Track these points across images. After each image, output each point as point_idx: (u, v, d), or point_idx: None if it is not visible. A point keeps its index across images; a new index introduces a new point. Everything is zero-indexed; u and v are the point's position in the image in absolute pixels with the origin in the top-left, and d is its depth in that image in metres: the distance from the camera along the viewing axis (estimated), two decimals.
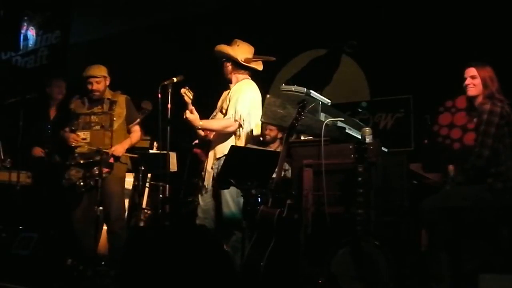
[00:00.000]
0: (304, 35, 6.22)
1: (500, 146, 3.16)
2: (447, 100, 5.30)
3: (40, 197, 5.22)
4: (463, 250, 3.19)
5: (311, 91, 3.54)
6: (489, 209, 3.15)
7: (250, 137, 4.02)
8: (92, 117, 4.50)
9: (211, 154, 4.02)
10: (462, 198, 3.18)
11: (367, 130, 3.46)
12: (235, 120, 3.91)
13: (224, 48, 4.10)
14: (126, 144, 4.52)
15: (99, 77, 4.49)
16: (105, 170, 4.33)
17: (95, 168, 4.31)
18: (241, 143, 3.97)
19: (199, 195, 4.03)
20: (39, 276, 4.07)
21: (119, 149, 4.44)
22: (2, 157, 5.55)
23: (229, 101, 4.00)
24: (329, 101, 3.74)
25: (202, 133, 4.06)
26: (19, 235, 4.46)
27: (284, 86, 3.65)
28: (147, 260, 3.14)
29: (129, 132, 4.62)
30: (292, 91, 3.56)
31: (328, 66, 6.10)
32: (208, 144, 4.05)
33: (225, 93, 4.17)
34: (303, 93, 3.51)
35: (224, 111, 4.03)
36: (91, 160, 4.33)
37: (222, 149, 3.94)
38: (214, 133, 4.03)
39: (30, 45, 7.82)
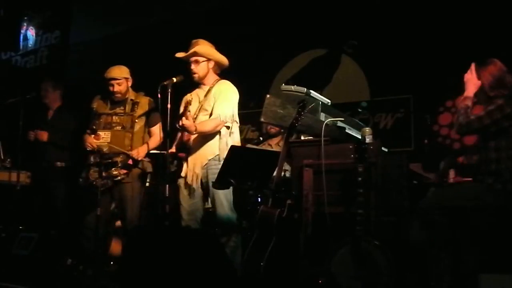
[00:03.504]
0: (304, 35, 6.21)
1: (502, 143, 3.14)
2: (447, 100, 5.29)
3: (40, 197, 5.23)
4: (463, 250, 3.19)
5: (311, 91, 3.54)
6: (489, 209, 3.14)
7: (233, 136, 4.06)
8: (114, 117, 4.44)
9: (197, 156, 4.00)
10: (462, 198, 3.17)
11: (367, 130, 3.45)
12: (222, 120, 3.96)
13: (208, 48, 4.12)
14: (146, 148, 4.45)
15: (120, 79, 4.44)
16: (123, 171, 4.31)
17: (113, 169, 4.28)
18: (227, 142, 4.00)
19: (181, 197, 4.02)
20: (39, 276, 4.07)
21: (141, 152, 4.38)
22: (2, 157, 5.57)
23: (214, 101, 4.01)
24: (329, 101, 3.74)
25: (185, 137, 4.04)
26: (19, 235, 4.47)
27: (284, 86, 3.64)
28: (146, 260, 3.14)
29: (149, 134, 4.54)
30: (292, 91, 3.56)
31: (328, 66, 6.10)
32: (187, 147, 4.03)
33: (198, 91, 4.15)
34: (303, 93, 3.51)
35: (206, 111, 4.03)
36: (110, 161, 4.28)
37: (212, 149, 3.98)
38: (194, 135, 4.01)
39: (30, 45, 7.83)
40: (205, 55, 4.09)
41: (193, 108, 4.04)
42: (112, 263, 4.66)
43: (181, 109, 3.96)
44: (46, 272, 4.16)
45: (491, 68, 3.24)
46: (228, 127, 4.05)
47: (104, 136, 4.38)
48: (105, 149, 4.30)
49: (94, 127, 4.38)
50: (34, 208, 5.22)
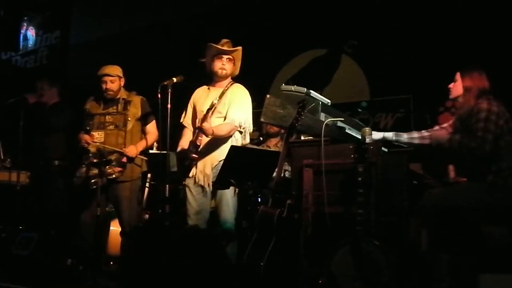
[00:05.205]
0: (304, 35, 6.22)
1: (501, 142, 3.15)
2: (447, 100, 5.29)
3: (40, 197, 5.23)
4: (463, 250, 3.19)
5: (311, 91, 3.54)
6: (489, 209, 3.14)
7: (245, 142, 4.15)
8: (107, 117, 4.47)
9: (208, 158, 4.02)
10: (462, 197, 3.17)
11: (367, 130, 3.45)
12: (236, 125, 4.01)
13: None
14: (140, 145, 4.49)
15: (114, 76, 4.47)
16: (118, 169, 4.33)
17: (107, 167, 4.30)
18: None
19: (189, 196, 4.03)
20: (39, 276, 4.07)
21: (133, 149, 4.41)
22: (2, 157, 5.57)
23: (229, 104, 4.03)
24: (329, 101, 3.74)
25: (198, 140, 4.03)
26: (19, 235, 4.47)
27: (284, 86, 3.64)
28: (147, 260, 3.14)
29: (144, 133, 4.57)
30: (292, 91, 3.55)
31: (328, 66, 6.10)
32: (196, 148, 4.02)
33: (210, 92, 4.15)
34: (303, 93, 3.50)
35: (220, 113, 4.04)
36: (104, 159, 4.30)
37: (224, 153, 3.96)
38: (207, 138, 4.01)
39: (30, 45, 7.85)
40: (238, 58, 4.17)
41: (204, 108, 4.04)
42: (112, 263, 4.66)
43: (195, 109, 4.10)
44: (46, 272, 4.16)
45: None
46: (241, 132, 4.10)
47: (98, 136, 4.41)
48: (96, 149, 4.33)
49: (88, 128, 4.41)
50: (34, 208, 5.21)
